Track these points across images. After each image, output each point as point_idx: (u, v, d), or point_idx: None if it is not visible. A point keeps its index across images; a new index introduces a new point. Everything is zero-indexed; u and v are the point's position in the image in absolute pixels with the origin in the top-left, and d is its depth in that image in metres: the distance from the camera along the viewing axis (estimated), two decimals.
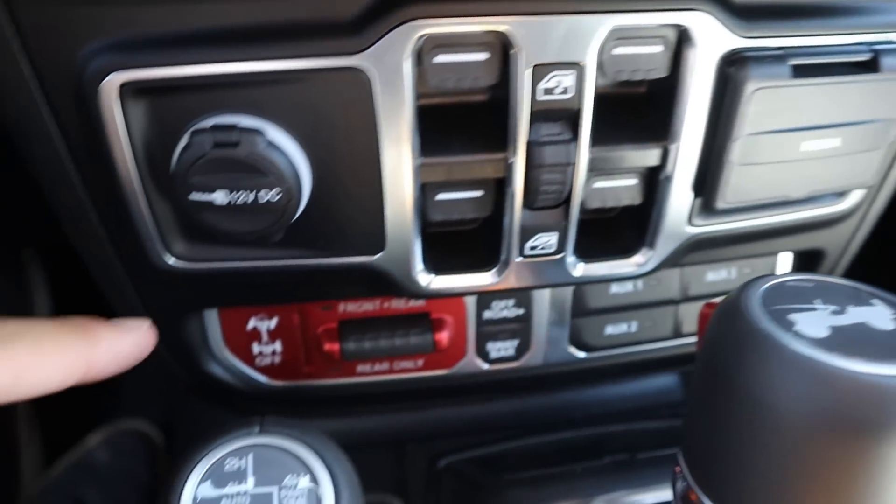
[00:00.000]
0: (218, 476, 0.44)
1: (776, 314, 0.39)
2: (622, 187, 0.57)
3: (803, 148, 0.53)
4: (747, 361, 0.38)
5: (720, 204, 0.56)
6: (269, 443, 0.45)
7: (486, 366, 0.74)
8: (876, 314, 0.39)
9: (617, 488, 0.69)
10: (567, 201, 0.55)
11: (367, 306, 0.69)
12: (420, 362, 0.74)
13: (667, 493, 0.68)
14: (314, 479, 0.44)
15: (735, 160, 0.53)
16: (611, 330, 0.74)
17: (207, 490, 0.43)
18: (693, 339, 0.76)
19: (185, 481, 0.43)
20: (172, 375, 0.73)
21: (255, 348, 0.71)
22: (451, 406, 0.85)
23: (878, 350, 0.36)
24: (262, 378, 0.73)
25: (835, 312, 0.39)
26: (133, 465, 0.93)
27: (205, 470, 0.44)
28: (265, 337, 0.70)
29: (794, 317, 0.39)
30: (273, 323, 0.69)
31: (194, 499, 0.43)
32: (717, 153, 0.54)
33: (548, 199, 0.54)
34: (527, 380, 0.76)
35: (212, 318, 0.69)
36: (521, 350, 0.74)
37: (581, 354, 0.75)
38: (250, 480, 0.43)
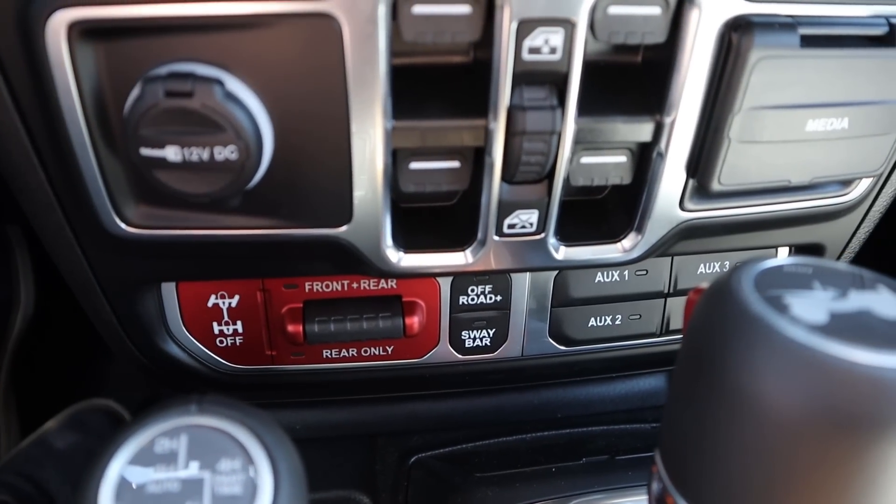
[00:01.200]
0: (147, 458, 0.39)
1: (770, 297, 0.35)
2: (611, 164, 0.53)
3: (809, 127, 0.50)
4: (734, 348, 0.34)
5: (715, 186, 0.52)
6: (206, 423, 0.41)
7: (459, 356, 0.70)
8: (880, 301, 0.35)
9: (593, 490, 0.65)
10: (550, 176, 0.52)
11: (335, 286, 0.65)
12: (390, 349, 0.70)
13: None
14: (252, 465, 0.39)
15: (734, 136, 0.49)
16: (594, 322, 0.70)
17: (134, 473, 0.38)
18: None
19: (109, 462, 0.39)
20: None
21: (216, 328, 0.67)
22: (424, 401, 0.82)
23: (880, 339, 0.32)
24: (222, 361, 0.69)
25: (835, 297, 0.35)
26: (98, 446, 0.90)
27: (133, 451, 0.39)
28: (226, 316, 0.66)
29: (790, 300, 0.35)
30: (234, 301, 0.65)
31: (118, 482, 0.38)
32: (714, 128, 0.50)
33: (529, 172, 0.50)
34: (503, 373, 0.72)
35: (169, 294, 0.65)
36: (498, 341, 0.70)
37: (562, 348, 0.71)
38: (181, 464, 0.39)
